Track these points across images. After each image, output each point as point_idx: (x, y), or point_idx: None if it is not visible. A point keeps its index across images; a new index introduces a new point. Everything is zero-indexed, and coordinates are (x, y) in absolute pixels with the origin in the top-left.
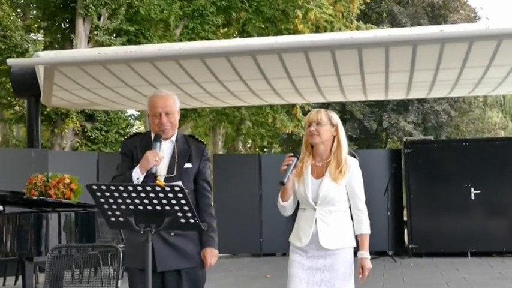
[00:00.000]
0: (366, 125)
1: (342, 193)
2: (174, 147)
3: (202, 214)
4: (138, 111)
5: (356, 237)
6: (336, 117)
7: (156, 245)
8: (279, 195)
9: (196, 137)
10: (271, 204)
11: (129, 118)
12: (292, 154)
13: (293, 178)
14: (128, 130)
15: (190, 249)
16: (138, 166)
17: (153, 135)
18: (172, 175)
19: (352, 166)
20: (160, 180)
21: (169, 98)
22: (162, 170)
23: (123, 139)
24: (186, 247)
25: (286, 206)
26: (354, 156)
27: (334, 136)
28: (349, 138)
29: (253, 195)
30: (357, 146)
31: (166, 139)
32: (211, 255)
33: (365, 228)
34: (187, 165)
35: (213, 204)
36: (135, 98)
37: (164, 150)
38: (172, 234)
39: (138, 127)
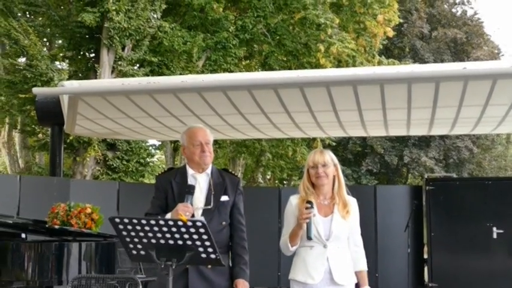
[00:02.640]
0: (386, 160)
1: (347, 230)
2: (210, 180)
3: (236, 247)
4: (159, 142)
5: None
6: (334, 157)
7: (190, 277)
8: (287, 239)
9: (230, 170)
10: None
11: (150, 148)
12: (309, 205)
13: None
14: (148, 160)
15: (221, 281)
16: (170, 214)
17: (189, 170)
18: (209, 207)
19: (353, 205)
20: (183, 215)
21: (206, 130)
22: (199, 202)
23: (142, 168)
24: (218, 280)
25: (294, 249)
26: (348, 193)
27: (335, 175)
28: (370, 173)
29: (272, 228)
30: (377, 180)
31: (202, 171)
32: (243, 286)
33: (364, 265)
34: (224, 198)
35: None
36: (156, 129)
37: (200, 183)
38: (209, 266)
39: (159, 157)
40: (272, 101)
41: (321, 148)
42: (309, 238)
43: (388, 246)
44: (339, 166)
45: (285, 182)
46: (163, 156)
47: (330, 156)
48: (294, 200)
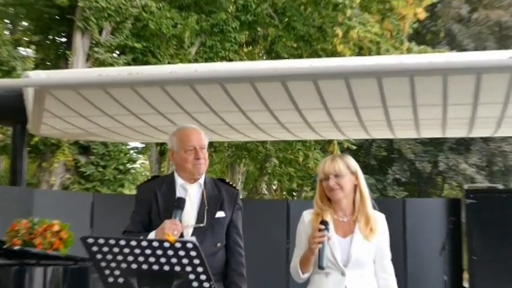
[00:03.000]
0: (417, 167)
1: (372, 254)
2: (203, 191)
3: (232, 274)
4: (143, 144)
5: None
6: (354, 163)
7: None
8: (298, 265)
9: (227, 180)
10: None
11: (132, 152)
12: (323, 227)
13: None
14: (129, 166)
15: None
16: (154, 232)
17: (178, 179)
18: (202, 225)
19: (381, 222)
20: (170, 235)
21: (201, 132)
22: (190, 219)
23: (121, 176)
24: None
25: (306, 277)
26: (374, 207)
27: (356, 185)
28: (397, 183)
29: (279, 250)
30: (406, 192)
31: (194, 181)
32: None
33: None
34: (220, 213)
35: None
36: (139, 129)
37: (192, 196)
38: None
39: (142, 163)
40: (279, 96)
41: (336, 154)
42: (320, 267)
43: (420, 273)
44: (360, 174)
45: (294, 193)
46: (147, 162)
47: (344, 164)
48: (307, 216)
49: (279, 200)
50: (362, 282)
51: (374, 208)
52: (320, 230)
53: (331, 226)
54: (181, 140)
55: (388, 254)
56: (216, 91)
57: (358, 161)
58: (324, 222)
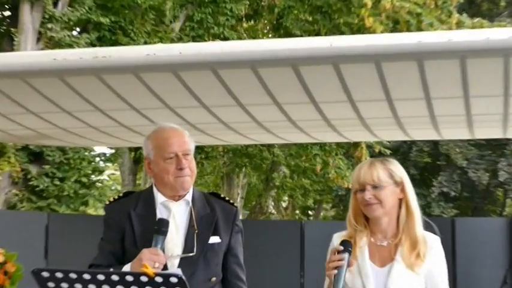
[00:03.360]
0: (471, 177)
1: (421, 287)
2: (191, 211)
3: None
4: (112, 149)
5: None
6: (399, 170)
7: None
8: None
9: (222, 195)
10: None
11: (98, 160)
12: (342, 248)
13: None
14: (94, 178)
15: None
16: (129, 264)
17: (158, 196)
18: (191, 254)
19: (435, 247)
20: (148, 266)
21: (184, 134)
22: (175, 247)
23: (84, 191)
24: None
25: None
26: (432, 230)
27: (401, 199)
28: (445, 198)
29: (292, 283)
30: (456, 209)
31: (179, 198)
32: None
33: None
34: (214, 239)
35: None
36: (107, 129)
37: (177, 217)
38: None
39: (112, 174)
40: (290, 85)
41: (375, 159)
42: None
43: None
44: (407, 184)
45: (310, 212)
46: (118, 173)
47: (386, 171)
48: (337, 240)
49: (290, 220)
50: None
51: (426, 229)
52: (338, 252)
53: (365, 252)
54: (159, 146)
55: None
56: (207, 79)
57: None
58: (344, 243)
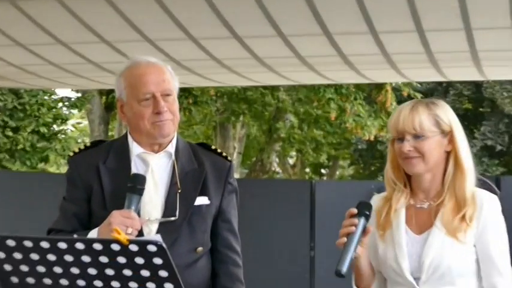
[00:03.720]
0: None
1: (469, 259)
2: (174, 165)
3: None
4: (77, 92)
5: None
6: (449, 116)
7: None
8: (353, 280)
9: (212, 146)
10: (330, 271)
11: (60, 105)
12: (355, 211)
13: (363, 250)
14: (56, 128)
15: None
16: (97, 229)
17: (134, 146)
18: (173, 218)
19: (486, 207)
20: (120, 231)
21: (163, 70)
22: (153, 210)
23: (44, 145)
24: None
25: None
26: (490, 189)
27: (449, 152)
28: (489, 152)
29: (298, 258)
30: (503, 167)
31: (159, 148)
32: None
33: None
34: (201, 200)
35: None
36: (71, 67)
37: (155, 172)
38: None
39: (78, 122)
40: (296, 12)
41: (419, 100)
42: (336, 273)
43: None
44: (458, 134)
45: (323, 170)
46: (86, 122)
47: (432, 117)
48: (375, 201)
49: (298, 180)
50: None
51: (482, 187)
52: (352, 215)
53: (401, 216)
54: (132, 84)
55: (500, 263)
56: (195, 4)
57: None
58: (361, 205)
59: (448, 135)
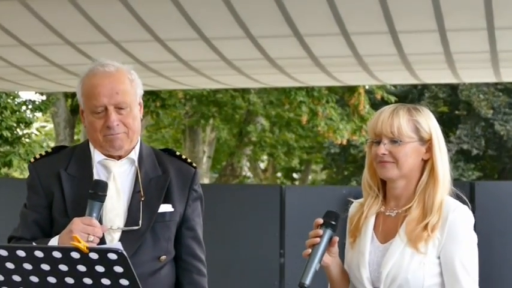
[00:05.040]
0: (498, 131)
1: (430, 271)
2: (137, 172)
3: None
4: (42, 95)
5: None
6: (430, 123)
7: None
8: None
9: (177, 153)
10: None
11: (24, 109)
12: (321, 221)
13: (332, 259)
14: (20, 133)
15: None
16: (57, 237)
17: (95, 153)
18: (136, 228)
19: (454, 217)
20: (80, 239)
21: (120, 80)
22: (116, 218)
23: (7, 149)
24: None
25: None
26: (462, 200)
27: (426, 161)
28: (465, 156)
29: (268, 265)
30: (479, 171)
31: (123, 155)
32: None
33: None
34: (165, 207)
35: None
36: (35, 69)
37: (117, 179)
38: None
39: (42, 126)
40: (267, 12)
41: (401, 104)
42: (301, 286)
43: None
44: (437, 143)
45: (295, 175)
46: (51, 126)
47: (411, 123)
48: (353, 207)
49: (268, 185)
50: None
51: (456, 197)
52: (318, 225)
53: (369, 223)
54: (86, 94)
55: (465, 279)
56: (162, 6)
57: None
58: (328, 214)
59: (427, 143)
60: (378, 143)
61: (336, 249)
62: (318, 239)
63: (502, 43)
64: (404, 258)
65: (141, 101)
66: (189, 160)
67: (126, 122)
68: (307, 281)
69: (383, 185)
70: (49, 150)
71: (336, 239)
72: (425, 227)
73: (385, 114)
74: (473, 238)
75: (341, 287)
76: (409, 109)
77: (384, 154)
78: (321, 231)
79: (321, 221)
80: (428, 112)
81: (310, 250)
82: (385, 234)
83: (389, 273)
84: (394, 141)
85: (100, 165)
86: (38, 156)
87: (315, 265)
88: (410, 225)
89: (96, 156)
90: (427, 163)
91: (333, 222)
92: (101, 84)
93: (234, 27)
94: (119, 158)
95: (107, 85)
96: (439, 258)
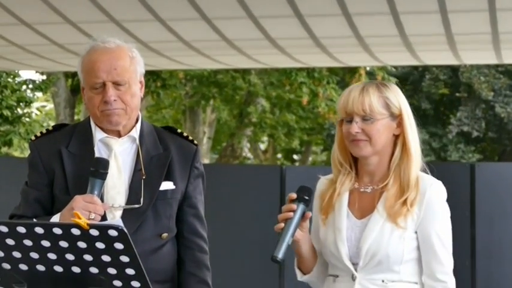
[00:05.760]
0: (498, 113)
1: (409, 246)
2: (138, 150)
3: (188, 282)
4: (42, 75)
5: None
6: (399, 98)
7: None
8: (295, 262)
9: (179, 130)
10: None
11: (24, 88)
12: (295, 196)
13: (303, 234)
14: (20, 112)
15: None
16: (59, 215)
17: (96, 131)
18: (137, 206)
19: (431, 192)
20: (81, 216)
21: (121, 56)
22: (117, 196)
23: (7, 128)
24: None
25: (311, 281)
26: (426, 170)
27: (397, 136)
28: (466, 139)
29: (267, 244)
30: (479, 154)
31: (123, 133)
32: None
33: None
34: (166, 185)
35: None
36: (36, 48)
37: (118, 157)
38: None
39: (42, 105)
40: None
41: (368, 81)
42: (272, 259)
43: (497, 278)
44: (407, 117)
45: (295, 156)
46: (51, 105)
47: (381, 99)
48: (320, 184)
49: (268, 165)
50: None
51: (426, 173)
52: (291, 200)
53: (343, 200)
54: (86, 70)
55: (441, 253)
56: None
57: None
58: (301, 189)
59: (398, 118)
60: (350, 121)
61: (307, 224)
62: (291, 214)
63: (503, 25)
64: (384, 233)
65: (143, 79)
66: (190, 137)
67: (124, 99)
68: (280, 255)
69: (355, 162)
70: (49, 128)
71: (309, 214)
72: (404, 202)
73: (355, 93)
74: (448, 212)
75: (309, 263)
76: (378, 86)
77: (357, 132)
78: (294, 206)
79: (294, 195)
80: (396, 88)
81: (282, 224)
82: (362, 210)
83: (369, 249)
84: (366, 119)
85: (101, 143)
86: (39, 134)
87: (287, 239)
88: (389, 201)
89: (98, 134)
90: (398, 138)
91: (306, 198)
92: (100, 60)
93: (235, 7)
94: (120, 135)
95: (105, 61)
96: (416, 232)
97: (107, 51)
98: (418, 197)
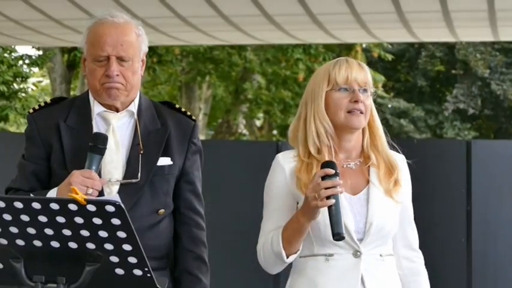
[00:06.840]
0: (494, 90)
1: (397, 219)
2: (137, 125)
3: (185, 258)
4: (38, 50)
5: None
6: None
7: None
8: (279, 241)
9: (177, 105)
10: None
11: (21, 63)
12: (332, 171)
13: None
14: (16, 87)
15: None
16: (56, 189)
17: (95, 105)
18: (134, 180)
19: (402, 167)
20: (78, 191)
21: (127, 32)
22: (114, 170)
23: (3, 103)
24: None
25: (291, 261)
26: (396, 149)
27: None
28: (461, 116)
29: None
30: (475, 131)
31: (122, 107)
32: None
33: None
34: (164, 160)
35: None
36: (32, 23)
37: (116, 132)
38: None
39: (39, 81)
40: None
41: (345, 58)
42: (337, 237)
43: (493, 256)
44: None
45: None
46: (47, 81)
47: (368, 72)
48: (286, 161)
49: (264, 141)
50: (383, 269)
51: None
52: (328, 175)
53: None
54: (92, 42)
55: (413, 223)
56: None
57: (397, 81)
58: (331, 164)
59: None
60: (347, 90)
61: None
62: (339, 189)
63: (500, 2)
64: (386, 207)
65: (145, 58)
66: (188, 113)
67: (126, 75)
68: (343, 230)
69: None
70: (48, 101)
71: (343, 190)
72: (396, 180)
73: (353, 64)
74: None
75: (300, 242)
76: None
77: (360, 104)
78: (340, 181)
79: (332, 171)
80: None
81: (333, 200)
82: (354, 186)
83: (378, 223)
84: (365, 90)
85: (99, 117)
86: (37, 107)
87: (341, 217)
88: (382, 177)
89: (96, 108)
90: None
91: (338, 172)
92: (107, 33)
93: None
94: (117, 110)
95: (113, 35)
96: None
97: (114, 25)
98: (401, 174)
